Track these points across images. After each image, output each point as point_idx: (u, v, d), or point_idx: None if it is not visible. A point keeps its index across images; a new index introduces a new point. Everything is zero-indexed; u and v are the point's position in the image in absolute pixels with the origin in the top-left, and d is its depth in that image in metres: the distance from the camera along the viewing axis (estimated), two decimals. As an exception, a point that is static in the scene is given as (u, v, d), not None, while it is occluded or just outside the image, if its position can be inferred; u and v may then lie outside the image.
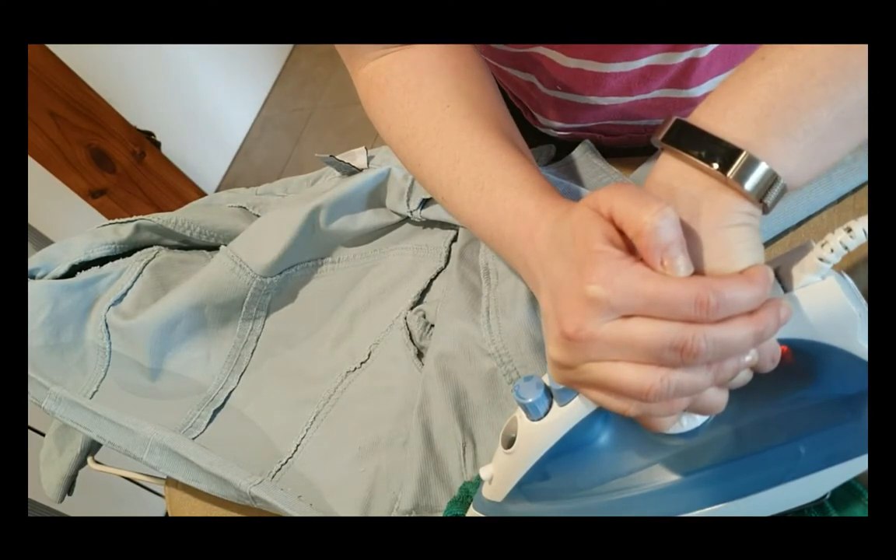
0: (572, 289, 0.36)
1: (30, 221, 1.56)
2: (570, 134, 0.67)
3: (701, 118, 0.37)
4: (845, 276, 0.37)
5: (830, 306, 0.36)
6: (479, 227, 0.48)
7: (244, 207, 0.71)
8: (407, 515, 0.51)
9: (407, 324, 0.60)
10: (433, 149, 0.49)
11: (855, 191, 0.53)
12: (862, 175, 0.53)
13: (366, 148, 0.69)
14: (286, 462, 0.58)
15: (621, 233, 0.36)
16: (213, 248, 0.70)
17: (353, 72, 0.55)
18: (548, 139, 0.70)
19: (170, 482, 0.64)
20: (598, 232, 0.36)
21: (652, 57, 0.54)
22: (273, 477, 0.57)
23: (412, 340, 0.59)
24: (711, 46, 0.54)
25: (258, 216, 0.69)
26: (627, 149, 0.65)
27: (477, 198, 0.46)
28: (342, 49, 0.55)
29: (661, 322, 0.34)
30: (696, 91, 0.57)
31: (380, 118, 0.54)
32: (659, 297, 0.34)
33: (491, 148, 0.47)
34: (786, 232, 0.54)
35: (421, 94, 0.51)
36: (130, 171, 1.86)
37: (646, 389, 0.35)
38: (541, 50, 0.57)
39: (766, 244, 0.54)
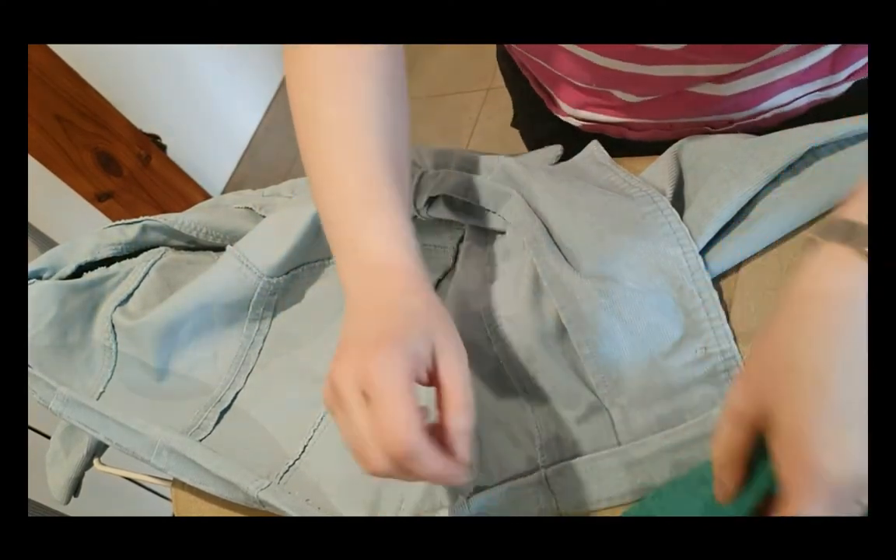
0: (352, 349, 0.41)
1: (36, 225, 1.57)
2: (594, 125, 0.67)
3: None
4: None
5: None
6: (322, 215, 0.52)
7: (251, 208, 0.71)
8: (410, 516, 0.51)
9: (414, 324, 0.60)
10: (331, 144, 0.51)
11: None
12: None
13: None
14: (293, 463, 0.58)
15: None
16: (220, 248, 0.70)
17: None
18: (570, 129, 0.69)
19: (176, 484, 0.64)
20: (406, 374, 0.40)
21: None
22: (281, 478, 0.57)
23: (420, 341, 0.59)
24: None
25: (265, 217, 0.69)
26: (641, 145, 0.65)
27: (331, 219, 0.50)
28: None
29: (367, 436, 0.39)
30: (726, 89, 0.57)
31: (290, 83, 0.54)
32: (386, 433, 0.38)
33: (377, 176, 0.49)
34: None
35: (339, 84, 0.52)
36: (136, 174, 1.87)
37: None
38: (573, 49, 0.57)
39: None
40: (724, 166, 0.52)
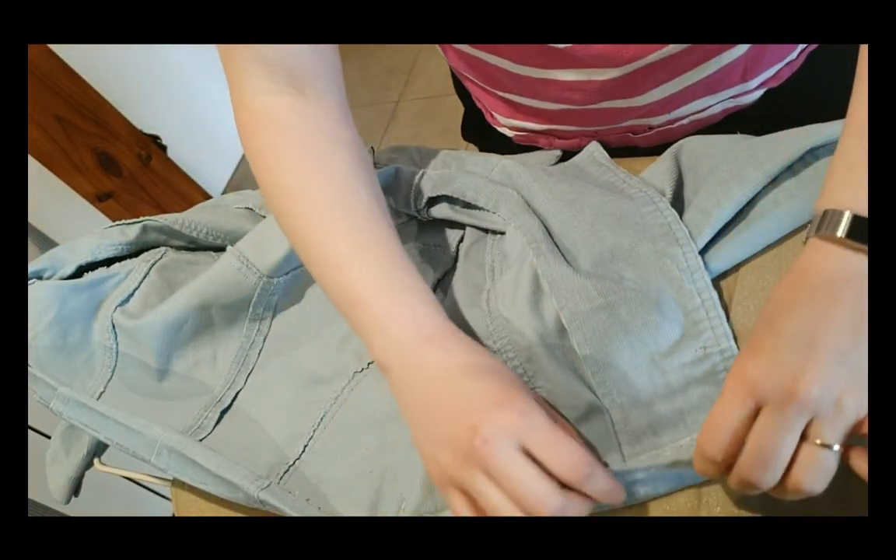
0: (484, 403, 0.42)
1: (36, 225, 1.57)
2: (526, 135, 0.69)
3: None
4: None
5: None
6: (343, 309, 0.50)
7: (251, 209, 0.71)
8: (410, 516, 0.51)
9: (414, 324, 0.60)
10: (328, 221, 0.51)
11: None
12: None
13: (372, 148, 0.69)
14: (293, 463, 0.58)
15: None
16: (220, 249, 0.70)
17: (239, 98, 0.55)
18: (507, 141, 0.71)
19: (176, 483, 0.64)
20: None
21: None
22: (281, 478, 0.57)
23: (420, 341, 0.59)
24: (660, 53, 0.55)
25: (265, 217, 0.69)
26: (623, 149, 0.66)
27: (352, 300, 0.49)
28: (230, 69, 0.54)
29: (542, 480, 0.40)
30: (638, 100, 0.59)
31: (264, 156, 0.54)
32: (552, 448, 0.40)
33: (374, 244, 0.50)
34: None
35: (319, 160, 0.52)
36: (136, 174, 1.87)
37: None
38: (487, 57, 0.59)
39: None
40: (723, 167, 0.52)
